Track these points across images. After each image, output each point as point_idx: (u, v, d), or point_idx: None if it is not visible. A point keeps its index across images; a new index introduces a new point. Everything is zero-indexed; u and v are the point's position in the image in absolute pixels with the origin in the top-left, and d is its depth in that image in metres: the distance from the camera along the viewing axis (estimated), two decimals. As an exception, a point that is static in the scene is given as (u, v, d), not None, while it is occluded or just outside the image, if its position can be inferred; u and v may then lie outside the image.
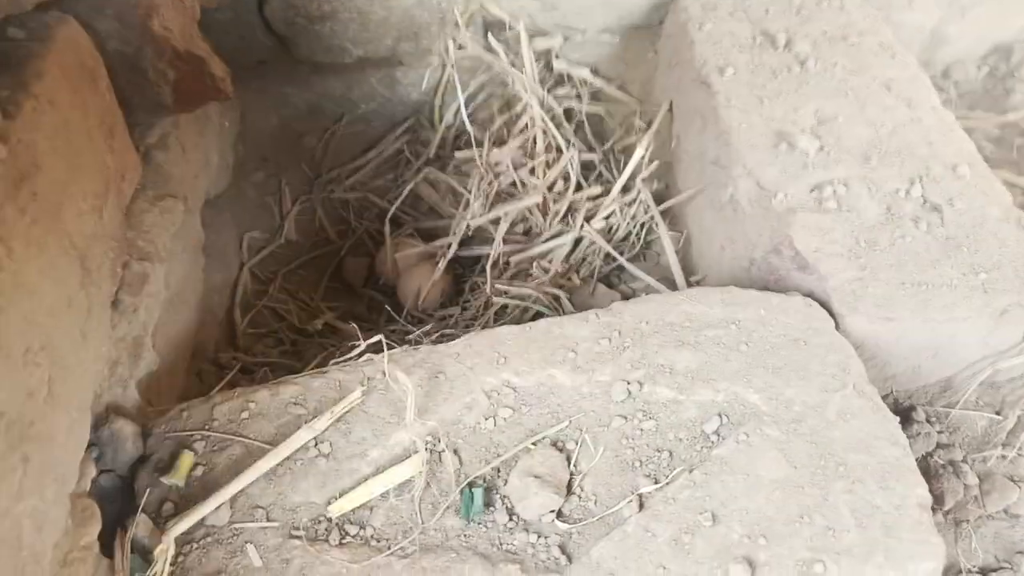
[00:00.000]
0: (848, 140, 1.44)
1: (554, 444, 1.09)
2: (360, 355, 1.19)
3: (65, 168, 1.04)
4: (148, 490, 1.04)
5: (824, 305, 1.21)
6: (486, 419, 1.11)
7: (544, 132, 1.72)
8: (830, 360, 1.12)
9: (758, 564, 0.95)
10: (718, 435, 1.07)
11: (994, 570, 1.16)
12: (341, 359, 1.21)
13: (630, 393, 1.12)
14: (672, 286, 1.56)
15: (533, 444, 1.09)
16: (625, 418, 1.10)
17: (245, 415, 1.11)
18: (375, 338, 1.17)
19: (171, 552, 0.99)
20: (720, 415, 1.08)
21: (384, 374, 1.15)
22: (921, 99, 1.52)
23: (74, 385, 1.00)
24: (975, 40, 2.03)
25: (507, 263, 1.67)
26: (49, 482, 0.91)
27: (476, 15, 1.82)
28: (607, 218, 1.65)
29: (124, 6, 1.27)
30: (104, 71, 1.20)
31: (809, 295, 1.24)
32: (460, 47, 1.73)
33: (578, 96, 1.88)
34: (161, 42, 1.31)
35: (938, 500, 1.19)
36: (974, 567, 1.16)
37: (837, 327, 1.19)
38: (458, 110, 1.86)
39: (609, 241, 1.64)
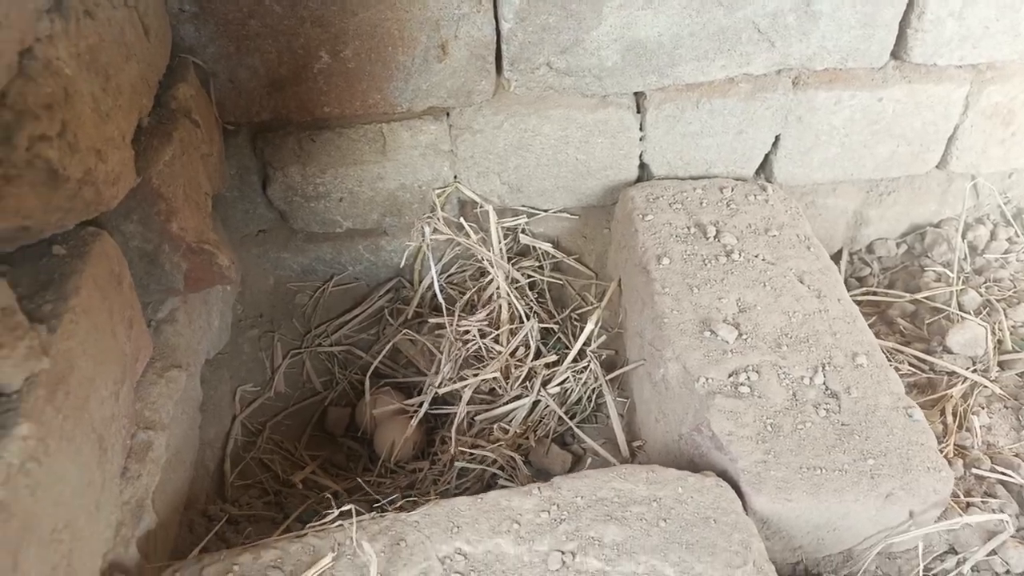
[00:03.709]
0: (764, 327, 1.66)
1: (496, 609, 1.26)
2: (333, 521, 1.37)
3: (92, 365, 1.24)
4: (141, 647, 1.20)
5: (734, 484, 1.41)
6: (439, 584, 1.29)
7: (508, 304, 1.95)
8: (735, 538, 1.31)
9: None
10: (637, 605, 1.24)
11: None
12: (316, 523, 1.39)
13: (564, 563, 1.29)
14: (617, 448, 1.76)
15: (478, 609, 1.26)
16: (559, 586, 1.28)
17: (229, 577, 1.28)
18: (347, 507, 1.36)
19: None
20: (639, 586, 1.26)
21: (353, 540, 1.32)
22: (830, 290, 1.76)
23: (88, 554, 1.17)
24: (894, 221, 2.31)
25: (472, 421, 1.87)
26: (60, 646, 1.07)
27: (452, 195, 2.09)
28: (561, 383, 1.86)
29: (148, 212, 1.51)
30: (128, 272, 1.43)
31: (723, 473, 1.44)
32: (435, 231, 1.99)
33: (541, 267, 2.13)
34: (177, 240, 1.55)
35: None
36: None
37: (745, 505, 1.38)
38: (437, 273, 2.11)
39: (563, 404, 1.85)
